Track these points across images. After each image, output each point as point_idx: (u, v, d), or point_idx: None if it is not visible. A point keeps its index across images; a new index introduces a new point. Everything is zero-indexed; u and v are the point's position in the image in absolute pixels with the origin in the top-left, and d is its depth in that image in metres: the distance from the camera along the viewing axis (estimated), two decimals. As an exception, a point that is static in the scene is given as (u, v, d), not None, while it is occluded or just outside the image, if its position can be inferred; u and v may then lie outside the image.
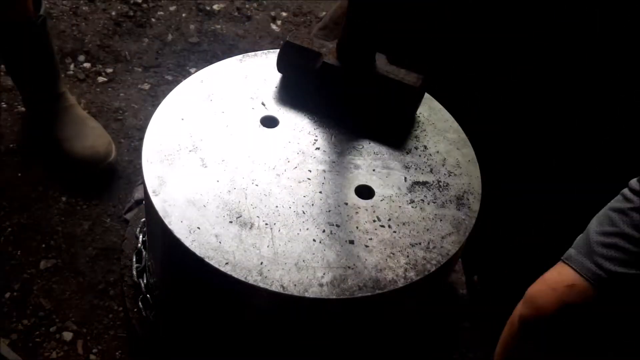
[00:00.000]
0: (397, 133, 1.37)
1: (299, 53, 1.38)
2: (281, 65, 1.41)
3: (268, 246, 1.14)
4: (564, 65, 1.79)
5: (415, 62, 1.49)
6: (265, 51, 1.49)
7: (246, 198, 1.21)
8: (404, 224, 1.21)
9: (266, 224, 1.17)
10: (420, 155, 1.33)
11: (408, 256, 1.16)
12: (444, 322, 1.48)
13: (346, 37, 1.33)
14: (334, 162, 1.29)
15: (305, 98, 1.39)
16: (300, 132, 1.34)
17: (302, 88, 1.40)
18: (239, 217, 1.18)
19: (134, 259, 1.51)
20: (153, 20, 2.86)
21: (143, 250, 1.51)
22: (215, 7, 2.96)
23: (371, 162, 1.30)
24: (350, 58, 1.34)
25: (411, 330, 1.37)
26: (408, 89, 1.33)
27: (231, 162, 1.26)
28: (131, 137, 2.42)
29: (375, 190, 1.25)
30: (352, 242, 1.17)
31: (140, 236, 1.54)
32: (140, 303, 1.43)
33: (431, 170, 1.30)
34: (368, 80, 1.35)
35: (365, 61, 1.35)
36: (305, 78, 1.38)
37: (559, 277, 1.36)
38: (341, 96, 1.38)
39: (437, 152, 1.34)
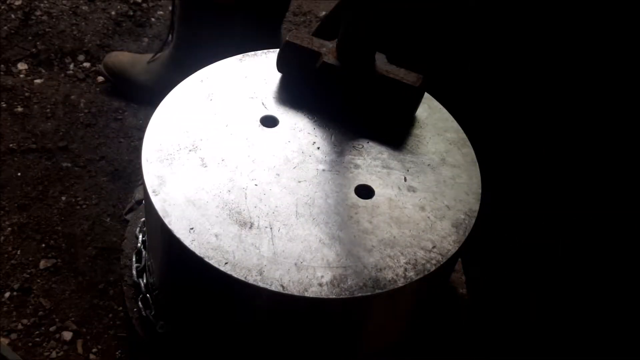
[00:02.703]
0: (396, 133, 1.37)
1: (299, 53, 1.38)
2: (281, 64, 1.41)
3: (268, 246, 1.14)
4: (565, 63, 1.79)
5: (414, 61, 1.49)
6: (265, 51, 1.49)
7: (246, 198, 1.21)
8: (404, 223, 1.21)
9: (266, 224, 1.17)
10: (420, 155, 1.33)
11: (408, 256, 1.16)
12: (444, 322, 1.48)
13: (345, 37, 1.33)
14: (334, 162, 1.29)
15: (305, 98, 1.39)
16: (300, 132, 1.34)
17: (302, 88, 1.40)
18: (238, 217, 1.18)
19: (134, 259, 1.51)
20: (153, 19, 2.86)
21: (143, 250, 1.51)
22: (215, 6, 2.96)
23: (371, 162, 1.30)
24: (349, 58, 1.34)
25: (411, 330, 1.37)
26: (408, 89, 1.33)
27: (231, 162, 1.26)
28: (131, 136, 2.42)
29: (375, 190, 1.25)
30: (351, 242, 1.17)
31: (140, 236, 1.54)
32: (140, 303, 1.43)
33: (431, 170, 1.30)
34: (368, 79, 1.35)
35: (365, 61, 1.35)
36: (305, 78, 1.38)
37: None
38: (341, 96, 1.38)
39: (437, 151, 1.34)
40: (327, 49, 1.37)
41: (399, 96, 1.35)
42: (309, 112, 1.37)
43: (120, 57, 2.52)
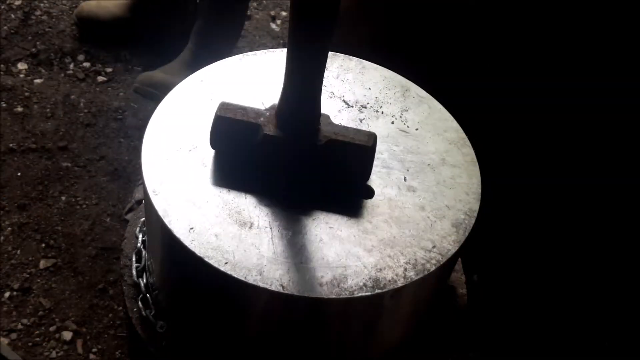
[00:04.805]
0: (396, 134, 1.37)
1: (234, 127, 1.21)
2: (215, 141, 1.24)
3: (268, 246, 1.14)
4: (565, 62, 1.79)
5: (414, 60, 1.49)
6: (264, 50, 1.49)
7: (246, 197, 1.21)
8: (404, 223, 1.21)
9: (266, 224, 1.17)
10: (420, 155, 1.33)
11: (408, 256, 1.16)
12: (444, 322, 1.48)
13: (286, 105, 1.19)
14: (333, 161, 1.29)
15: (246, 176, 1.25)
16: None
17: (239, 164, 1.25)
18: (238, 217, 1.17)
19: (134, 259, 1.51)
20: (153, 19, 2.85)
21: (143, 249, 1.51)
22: (215, 6, 2.96)
23: (371, 162, 1.30)
24: (294, 125, 1.21)
25: (411, 330, 1.37)
26: (362, 149, 1.20)
27: (231, 162, 1.26)
28: (130, 136, 2.42)
29: (375, 190, 1.25)
30: (352, 241, 1.16)
31: (140, 236, 1.54)
32: (140, 303, 1.43)
33: (431, 170, 1.30)
34: (315, 146, 1.21)
35: (312, 126, 1.22)
36: (242, 153, 1.24)
37: None
38: (285, 168, 1.24)
39: (437, 151, 1.34)
40: (265, 119, 1.22)
41: (353, 158, 1.21)
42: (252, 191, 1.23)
43: (151, 75, 2.52)
